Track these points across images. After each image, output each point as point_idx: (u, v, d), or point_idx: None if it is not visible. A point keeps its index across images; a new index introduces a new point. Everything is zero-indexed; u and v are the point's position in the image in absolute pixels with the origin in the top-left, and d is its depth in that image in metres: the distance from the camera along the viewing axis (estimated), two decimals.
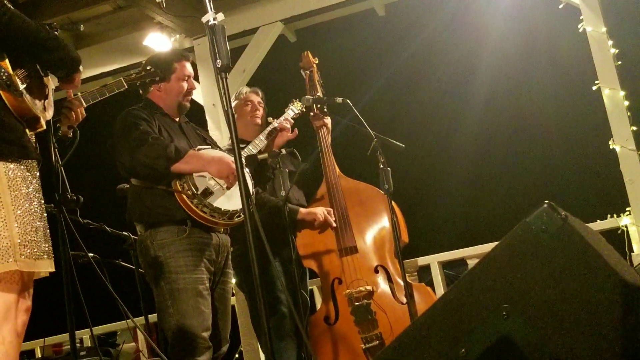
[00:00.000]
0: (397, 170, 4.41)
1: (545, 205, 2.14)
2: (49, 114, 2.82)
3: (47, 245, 2.62)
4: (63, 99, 3.41)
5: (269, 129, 4.60)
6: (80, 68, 2.92)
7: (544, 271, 2.12)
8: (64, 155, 3.34)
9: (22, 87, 2.61)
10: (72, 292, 3.21)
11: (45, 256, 2.60)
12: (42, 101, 2.76)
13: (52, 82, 2.93)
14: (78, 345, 4.64)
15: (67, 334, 3.33)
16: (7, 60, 2.59)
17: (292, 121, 4.75)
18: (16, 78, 2.59)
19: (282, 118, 4.71)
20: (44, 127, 2.73)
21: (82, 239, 3.45)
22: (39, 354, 6.28)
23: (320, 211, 4.66)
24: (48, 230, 2.66)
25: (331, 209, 4.68)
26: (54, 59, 2.76)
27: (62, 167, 3.31)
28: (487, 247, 5.34)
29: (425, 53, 9.40)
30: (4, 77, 2.56)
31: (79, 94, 3.44)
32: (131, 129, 3.94)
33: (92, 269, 3.62)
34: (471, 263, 5.60)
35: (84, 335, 6.20)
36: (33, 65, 2.76)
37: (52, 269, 2.66)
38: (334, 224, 4.64)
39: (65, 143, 3.35)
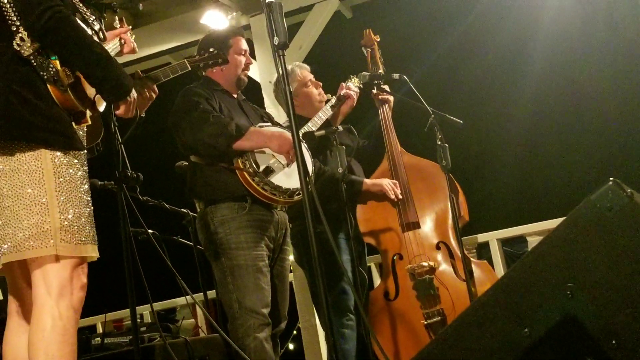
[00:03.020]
0: (453, 146, 4.37)
1: (611, 183, 2.10)
2: (101, 108, 2.84)
3: (91, 231, 2.65)
4: (131, 74, 3.41)
5: (328, 106, 4.59)
6: (130, 97, 2.81)
7: (610, 249, 2.08)
8: (124, 133, 3.37)
9: (68, 82, 2.65)
10: (133, 268, 3.25)
11: (90, 241, 2.62)
12: (93, 96, 2.79)
13: None
14: (138, 320, 4.70)
15: (128, 309, 3.37)
16: (56, 58, 2.63)
17: (358, 91, 4.74)
18: (64, 74, 2.63)
19: (343, 91, 4.69)
20: (89, 122, 2.75)
21: (142, 216, 3.49)
22: (100, 329, 6.39)
23: (387, 182, 4.64)
24: (92, 218, 2.68)
25: (396, 181, 4.67)
26: (98, 76, 2.67)
27: (122, 145, 3.34)
28: (547, 224, 5.28)
29: (480, 26, 9.25)
30: (52, 72, 2.62)
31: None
32: (192, 108, 3.96)
33: (152, 246, 3.67)
34: (530, 240, 5.53)
35: (145, 311, 6.32)
36: None
37: (96, 254, 2.69)
38: (400, 196, 4.62)
39: (132, 123, 3.36)
